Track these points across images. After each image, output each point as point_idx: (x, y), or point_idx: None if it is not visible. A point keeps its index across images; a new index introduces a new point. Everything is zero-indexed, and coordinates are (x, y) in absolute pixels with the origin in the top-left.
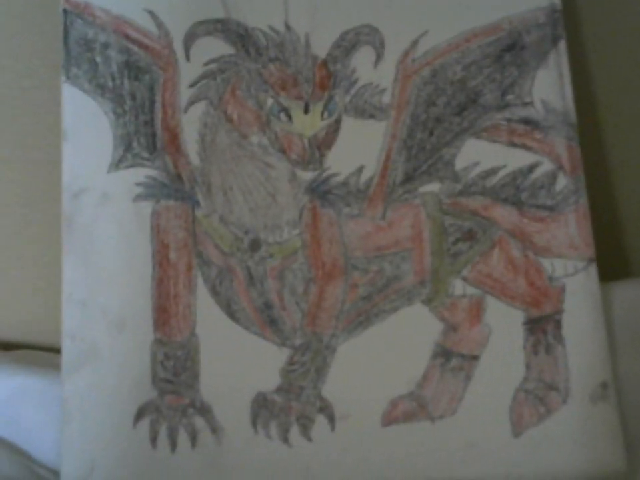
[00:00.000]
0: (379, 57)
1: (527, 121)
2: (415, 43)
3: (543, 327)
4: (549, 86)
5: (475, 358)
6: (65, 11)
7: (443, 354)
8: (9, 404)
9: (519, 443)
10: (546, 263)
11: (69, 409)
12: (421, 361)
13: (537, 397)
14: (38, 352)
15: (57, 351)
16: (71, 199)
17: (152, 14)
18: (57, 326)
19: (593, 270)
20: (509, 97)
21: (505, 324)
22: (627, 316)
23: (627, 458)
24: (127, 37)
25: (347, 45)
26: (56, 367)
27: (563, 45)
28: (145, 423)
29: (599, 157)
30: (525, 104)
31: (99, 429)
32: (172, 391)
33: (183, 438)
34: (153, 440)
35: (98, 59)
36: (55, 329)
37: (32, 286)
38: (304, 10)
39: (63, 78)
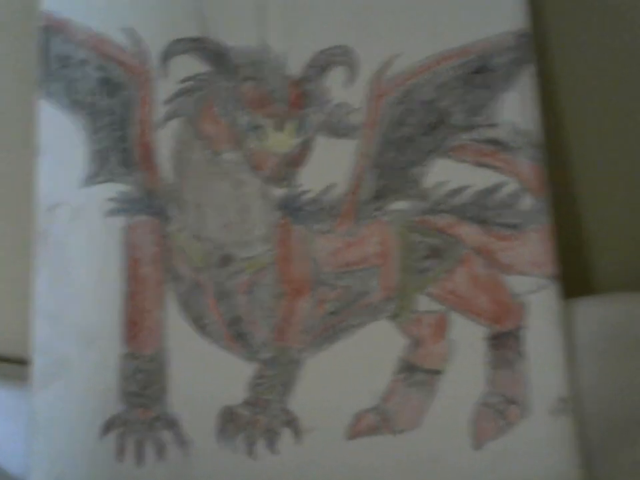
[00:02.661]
0: (352, 77)
1: (494, 142)
2: (387, 64)
3: (504, 343)
4: (516, 108)
5: (438, 372)
6: (44, 28)
7: (407, 368)
8: None
9: (479, 456)
10: (510, 280)
11: (37, 421)
12: (386, 376)
13: (498, 411)
14: (4, 364)
15: (25, 362)
16: (45, 213)
17: (130, 31)
18: (25, 338)
19: (555, 287)
20: (477, 118)
21: (468, 339)
22: (589, 332)
23: (585, 471)
24: (105, 54)
25: (321, 64)
26: (24, 379)
27: (531, 68)
28: (112, 436)
29: (564, 176)
30: (493, 125)
31: (67, 441)
32: (140, 404)
33: (149, 451)
34: (120, 453)
35: (76, 76)
36: (24, 340)
37: (1, 298)
38: (279, 30)
39: (40, 94)
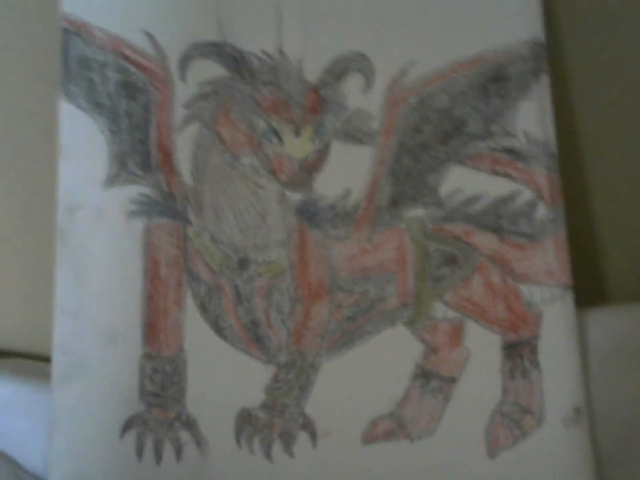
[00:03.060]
0: (368, 83)
1: (509, 151)
2: (403, 72)
3: (519, 352)
4: (531, 117)
5: (454, 380)
6: (64, 30)
7: (423, 375)
8: None
9: (494, 464)
10: (524, 289)
11: (58, 419)
12: (402, 382)
13: (513, 420)
14: (29, 361)
15: (47, 359)
16: (66, 213)
17: (149, 35)
18: (48, 335)
19: (569, 297)
20: (493, 127)
21: (483, 347)
22: (601, 342)
23: None
24: (125, 56)
25: (338, 71)
26: (46, 376)
27: (545, 77)
28: (131, 436)
29: (578, 186)
30: (508, 134)
31: (87, 440)
32: (159, 404)
33: (168, 451)
34: (139, 452)
35: (95, 78)
36: (47, 338)
37: (24, 295)
38: (297, 36)
39: (61, 95)
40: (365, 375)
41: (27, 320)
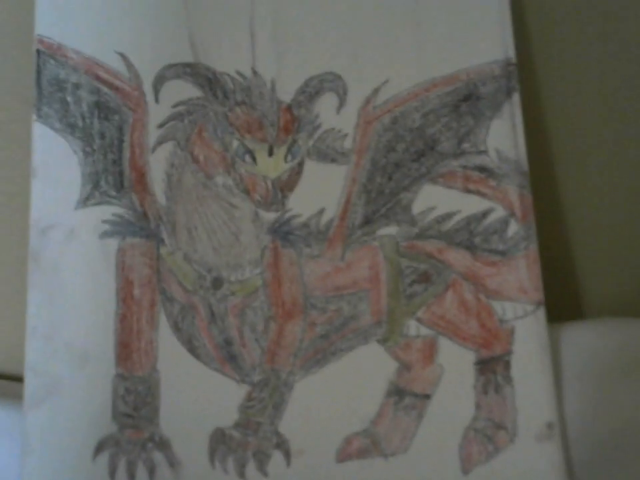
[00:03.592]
0: (341, 103)
1: (481, 169)
2: (376, 91)
3: (492, 368)
4: (502, 135)
5: (427, 397)
6: (38, 52)
7: (397, 392)
8: None
9: None
10: (497, 305)
11: (30, 441)
12: (376, 399)
13: (486, 436)
14: (3, 381)
15: (20, 379)
16: (39, 234)
17: (123, 56)
18: (21, 355)
19: (542, 313)
20: (465, 145)
21: (456, 364)
22: (575, 357)
23: None
24: (98, 78)
25: (311, 90)
26: (19, 397)
27: (516, 96)
28: (104, 457)
29: (551, 203)
30: (480, 152)
31: (59, 461)
32: (132, 425)
33: (141, 472)
34: (112, 474)
35: (69, 99)
36: (20, 358)
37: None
38: (270, 56)
39: (34, 116)
40: (338, 393)
41: (0, 340)
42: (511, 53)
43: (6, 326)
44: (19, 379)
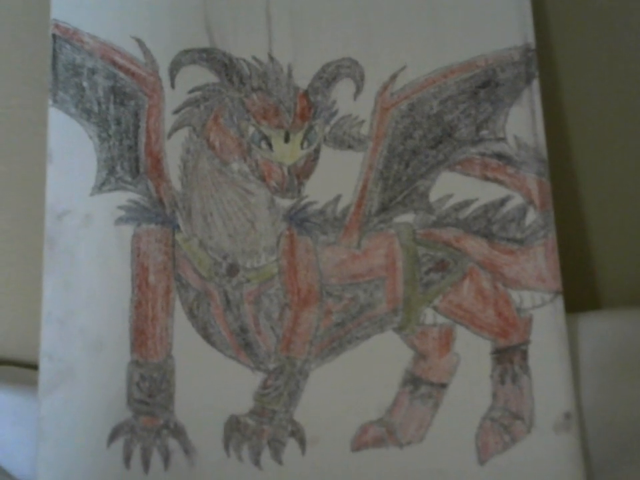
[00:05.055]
0: (358, 89)
1: (499, 156)
2: (393, 77)
3: (509, 357)
4: (521, 122)
5: (444, 386)
6: (54, 36)
7: (413, 381)
8: None
9: (484, 471)
10: (514, 294)
11: (45, 427)
12: (391, 388)
13: (503, 426)
14: (17, 368)
15: (36, 367)
16: (54, 220)
17: (139, 41)
18: (37, 342)
19: (560, 302)
20: (483, 132)
21: (473, 353)
22: (593, 346)
23: None
24: (114, 63)
25: (328, 77)
26: (35, 384)
27: (536, 83)
28: (119, 444)
29: (570, 191)
30: (499, 139)
31: (74, 448)
32: (147, 412)
33: (156, 459)
34: (127, 460)
35: (85, 84)
36: (36, 345)
37: (14, 302)
38: (287, 42)
39: (50, 102)
40: (354, 381)
41: (17, 327)
42: (531, 39)
43: (22, 312)
44: (34, 366)
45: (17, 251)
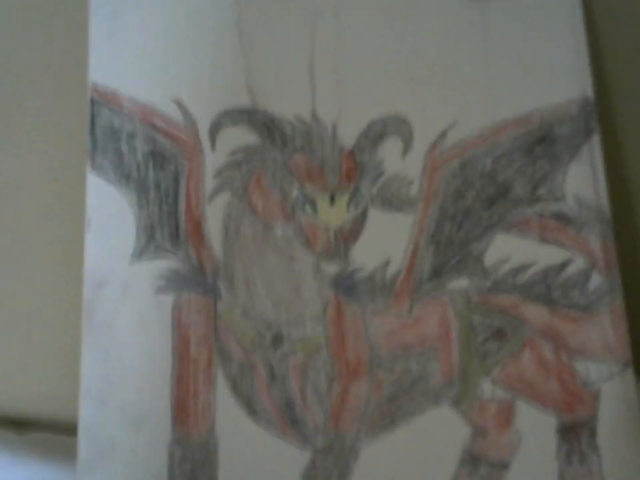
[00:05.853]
0: (406, 147)
1: (559, 216)
2: (443, 134)
3: (576, 434)
4: (582, 180)
5: (505, 466)
6: (92, 101)
7: (471, 461)
8: None
9: None
10: (579, 365)
11: None
12: (448, 468)
13: None
14: (53, 436)
15: (73, 429)
16: (93, 290)
17: (179, 103)
18: (75, 405)
19: (630, 374)
20: (540, 191)
21: (536, 430)
22: None
23: None
24: (153, 126)
25: (374, 135)
26: (71, 454)
27: (596, 138)
28: None
29: (636, 253)
30: (557, 198)
31: None
32: None
33: None
34: None
35: (123, 149)
36: (73, 404)
37: (51, 362)
38: (330, 99)
39: (88, 167)
40: (407, 460)
41: (55, 388)
42: (589, 91)
43: (61, 373)
44: (72, 429)
45: (55, 299)
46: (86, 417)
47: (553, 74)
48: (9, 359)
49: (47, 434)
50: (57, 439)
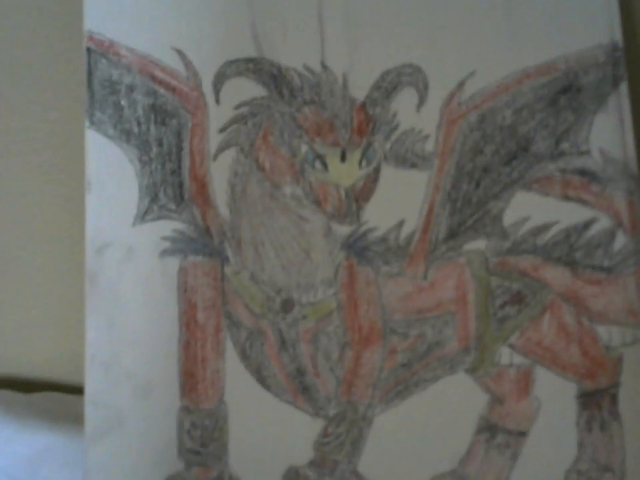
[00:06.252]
0: (421, 99)
1: (582, 172)
2: (461, 85)
3: (597, 402)
4: (608, 133)
5: (523, 434)
6: (88, 50)
7: (488, 429)
8: (34, 462)
9: None
10: (602, 330)
11: (92, 478)
12: (465, 436)
13: (590, 479)
14: (61, 395)
15: (80, 390)
16: (95, 254)
17: (180, 53)
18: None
19: None
20: (564, 145)
21: (555, 397)
22: None
23: None
24: (154, 78)
25: (388, 86)
26: (79, 416)
27: (624, 86)
28: None
29: None
30: (581, 153)
31: None
32: (199, 462)
33: None
34: None
35: (123, 102)
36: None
37: (57, 323)
38: (342, 47)
39: (87, 123)
40: (422, 428)
41: (62, 349)
42: (618, 36)
43: (67, 333)
44: (79, 390)
45: (59, 268)
46: (92, 385)
47: (579, 18)
48: (14, 323)
49: (55, 393)
50: (64, 397)
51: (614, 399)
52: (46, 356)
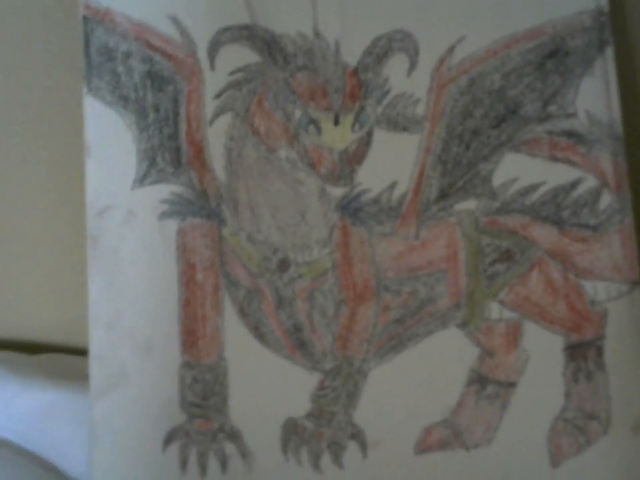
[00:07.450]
0: (412, 64)
1: (569, 134)
2: (451, 50)
3: (583, 353)
4: (594, 96)
5: (512, 385)
6: (84, 18)
7: (479, 380)
8: (40, 419)
9: (557, 474)
10: (587, 285)
11: (98, 432)
12: (456, 388)
13: (577, 427)
14: (66, 356)
15: (84, 352)
16: (96, 217)
17: (175, 20)
18: (84, 327)
19: (638, 294)
20: (551, 108)
21: (543, 350)
22: None
23: None
24: (150, 45)
25: (379, 52)
26: (84, 376)
27: (610, 51)
28: (174, 448)
29: None
30: (568, 115)
31: (128, 453)
32: (201, 415)
33: (213, 463)
34: (183, 465)
35: (120, 69)
36: (82, 330)
37: (60, 287)
38: (333, 14)
39: (85, 90)
40: (416, 381)
41: (66, 312)
42: (604, 2)
43: (71, 296)
44: (84, 351)
45: (63, 231)
46: (96, 342)
47: None
48: (17, 288)
49: (59, 354)
50: (68, 358)
51: (599, 351)
52: (49, 319)
